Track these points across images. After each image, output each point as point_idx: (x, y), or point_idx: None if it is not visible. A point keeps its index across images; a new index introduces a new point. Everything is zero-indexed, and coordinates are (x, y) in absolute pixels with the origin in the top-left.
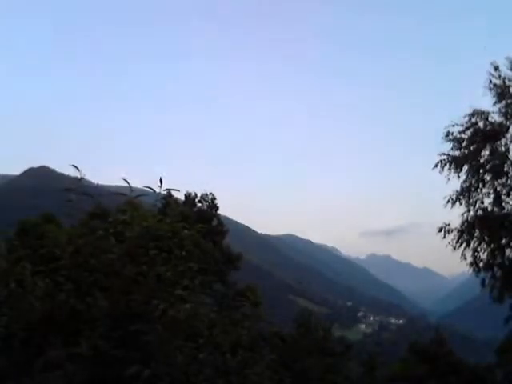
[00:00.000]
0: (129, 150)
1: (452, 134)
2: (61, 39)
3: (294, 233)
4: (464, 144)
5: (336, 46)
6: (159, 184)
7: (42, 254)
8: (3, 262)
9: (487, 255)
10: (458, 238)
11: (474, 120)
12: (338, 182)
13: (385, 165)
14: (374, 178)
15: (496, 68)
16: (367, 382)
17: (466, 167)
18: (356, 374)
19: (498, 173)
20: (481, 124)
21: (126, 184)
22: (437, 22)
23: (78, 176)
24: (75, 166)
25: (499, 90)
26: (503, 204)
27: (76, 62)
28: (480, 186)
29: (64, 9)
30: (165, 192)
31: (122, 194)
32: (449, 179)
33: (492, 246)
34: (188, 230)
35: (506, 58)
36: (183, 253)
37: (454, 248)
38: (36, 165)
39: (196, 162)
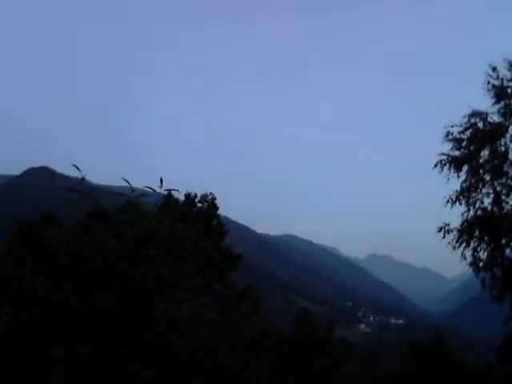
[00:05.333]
0: (129, 150)
1: (452, 134)
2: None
3: (293, 233)
4: (463, 144)
5: None
6: (160, 184)
7: (42, 254)
8: (4, 261)
9: (487, 255)
10: (458, 238)
11: (473, 120)
12: (338, 182)
13: (385, 163)
14: (375, 176)
15: (494, 69)
16: (367, 382)
17: (465, 167)
18: (356, 374)
19: (497, 173)
20: (480, 124)
21: (126, 184)
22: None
23: (79, 176)
24: (76, 166)
25: (498, 91)
26: (503, 204)
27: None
28: (480, 186)
29: None
30: (165, 192)
31: (122, 194)
32: (448, 179)
33: (492, 245)
34: (188, 230)
35: (504, 59)
36: (183, 253)
37: (454, 248)
38: (36, 165)
39: (196, 162)
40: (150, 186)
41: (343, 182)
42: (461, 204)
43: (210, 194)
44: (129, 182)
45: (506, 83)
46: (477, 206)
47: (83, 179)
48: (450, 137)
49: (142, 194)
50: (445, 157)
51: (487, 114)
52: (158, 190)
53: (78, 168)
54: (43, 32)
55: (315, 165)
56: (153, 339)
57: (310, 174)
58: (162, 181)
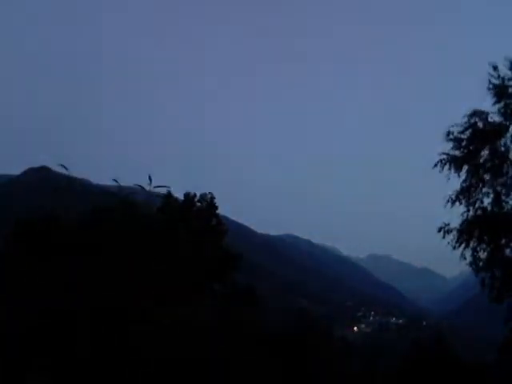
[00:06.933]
0: (128, 149)
1: (452, 133)
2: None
3: (294, 233)
4: (463, 144)
5: None
6: (149, 181)
7: (41, 253)
8: (3, 261)
9: (487, 255)
10: (458, 238)
11: (473, 120)
12: (338, 181)
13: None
14: (375, 175)
15: (495, 68)
16: (367, 382)
17: (465, 167)
18: (356, 374)
19: (497, 173)
20: (480, 124)
21: (124, 183)
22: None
23: (77, 176)
24: (63, 166)
25: (498, 90)
26: (503, 204)
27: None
28: (480, 185)
29: None
30: (155, 190)
31: (113, 194)
32: (449, 178)
33: (491, 245)
34: (187, 230)
35: (505, 58)
36: (182, 252)
37: (454, 248)
38: (36, 165)
39: (196, 162)
40: (139, 184)
41: (343, 181)
42: (461, 204)
43: (209, 193)
44: (117, 182)
45: (506, 82)
46: (477, 205)
47: (75, 179)
48: (451, 136)
49: (132, 192)
50: (445, 156)
51: (487, 113)
52: (147, 188)
53: (65, 167)
54: (43, 32)
55: (315, 165)
56: (150, 339)
57: (309, 173)
58: (150, 178)
